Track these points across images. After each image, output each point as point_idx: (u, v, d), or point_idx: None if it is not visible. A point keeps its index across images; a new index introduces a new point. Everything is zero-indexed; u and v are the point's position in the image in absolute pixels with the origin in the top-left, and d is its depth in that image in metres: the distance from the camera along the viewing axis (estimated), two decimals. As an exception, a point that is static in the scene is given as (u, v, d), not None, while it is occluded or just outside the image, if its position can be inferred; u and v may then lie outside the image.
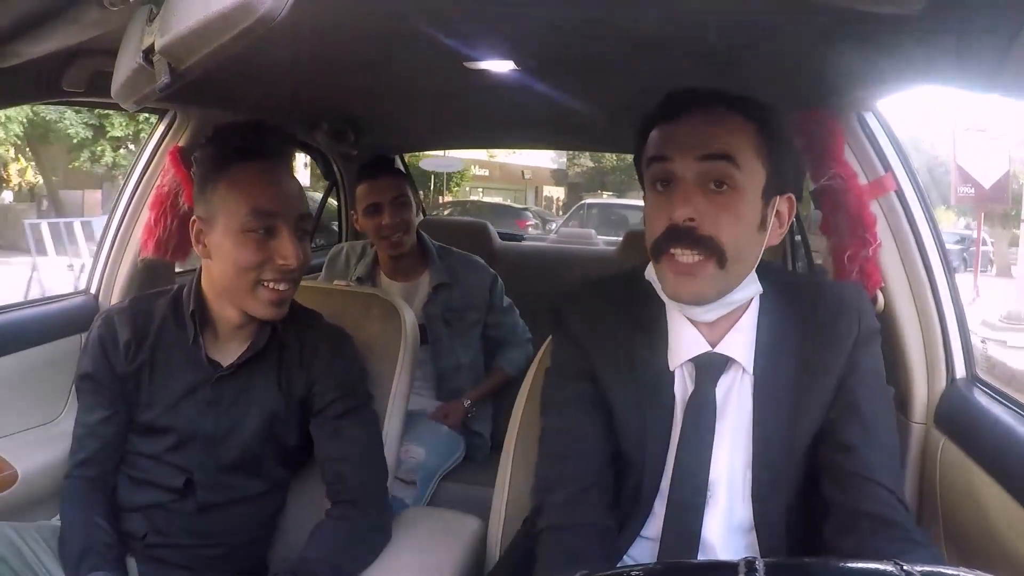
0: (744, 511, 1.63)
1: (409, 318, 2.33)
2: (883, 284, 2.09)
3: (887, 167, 2.13)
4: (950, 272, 2.14)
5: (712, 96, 1.61)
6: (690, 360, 1.65)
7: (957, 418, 1.98)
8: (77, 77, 2.06)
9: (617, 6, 1.86)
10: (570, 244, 5.76)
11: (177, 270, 2.99)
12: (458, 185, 31.61)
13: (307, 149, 4.49)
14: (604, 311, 1.75)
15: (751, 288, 1.61)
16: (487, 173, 34.88)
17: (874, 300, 2.10)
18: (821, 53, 1.96)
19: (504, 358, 3.65)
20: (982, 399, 1.97)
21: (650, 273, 1.66)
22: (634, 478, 1.69)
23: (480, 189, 32.76)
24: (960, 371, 2.11)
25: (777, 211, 1.62)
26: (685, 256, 1.52)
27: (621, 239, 5.07)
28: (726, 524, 1.63)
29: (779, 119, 1.62)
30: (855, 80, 1.99)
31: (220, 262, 1.94)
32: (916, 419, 2.08)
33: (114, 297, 2.76)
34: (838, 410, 1.59)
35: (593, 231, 6.69)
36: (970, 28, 1.39)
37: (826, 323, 1.63)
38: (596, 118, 3.34)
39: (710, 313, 1.59)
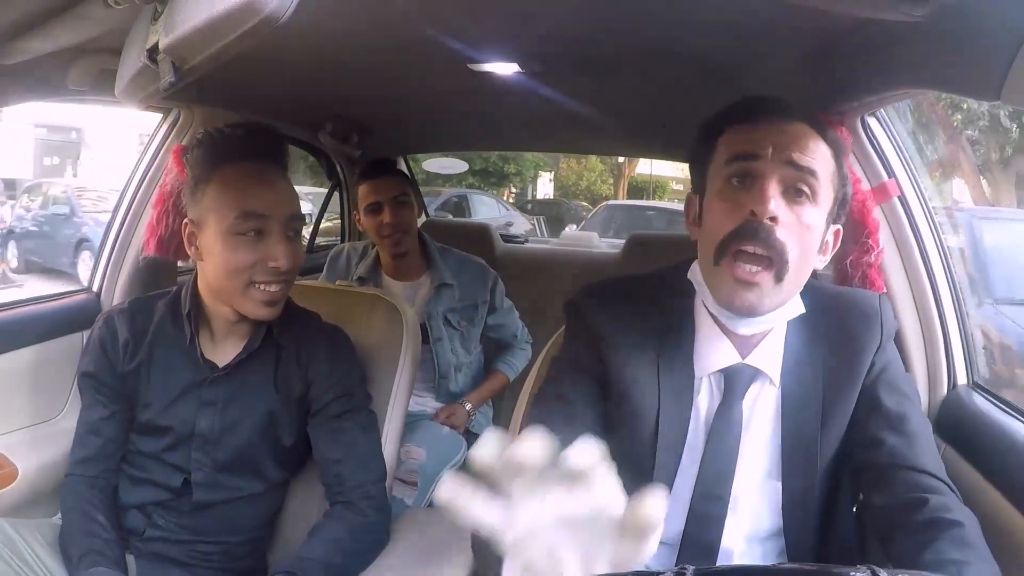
0: (768, 520, 1.64)
1: (410, 318, 2.32)
2: (885, 290, 2.09)
3: (890, 173, 2.13)
4: (953, 278, 2.14)
5: (793, 110, 1.60)
6: (719, 371, 1.64)
7: (958, 425, 1.97)
8: (82, 75, 2.06)
9: (621, 12, 1.86)
10: (572, 247, 5.75)
11: (180, 267, 3.00)
12: (660, 197, 34.57)
13: (311, 150, 4.50)
14: (629, 309, 1.72)
15: (795, 308, 1.61)
16: (682, 188, 38.59)
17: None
18: (825, 58, 1.96)
19: (503, 362, 3.67)
20: (983, 406, 1.97)
21: (695, 275, 1.65)
22: (640, 483, 1.67)
23: (676, 199, 35.52)
24: (962, 378, 2.10)
25: (825, 241, 1.63)
26: (753, 259, 1.49)
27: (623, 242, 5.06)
28: (747, 533, 1.63)
29: (847, 152, 1.65)
30: (859, 85, 1.99)
31: (212, 264, 1.94)
32: (917, 425, 2.08)
33: (116, 296, 2.76)
34: (861, 410, 1.61)
35: (595, 235, 6.65)
36: (975, 36, 1.39)
37: (850, 334, 1.65)
38: (600, 122, 3.34)
39: (752, 327, 1.58)
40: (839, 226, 1.66)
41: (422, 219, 5.13)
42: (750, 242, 1.48)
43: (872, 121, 2.15)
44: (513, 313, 3.73)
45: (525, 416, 1.99)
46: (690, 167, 1.74)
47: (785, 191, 1.51)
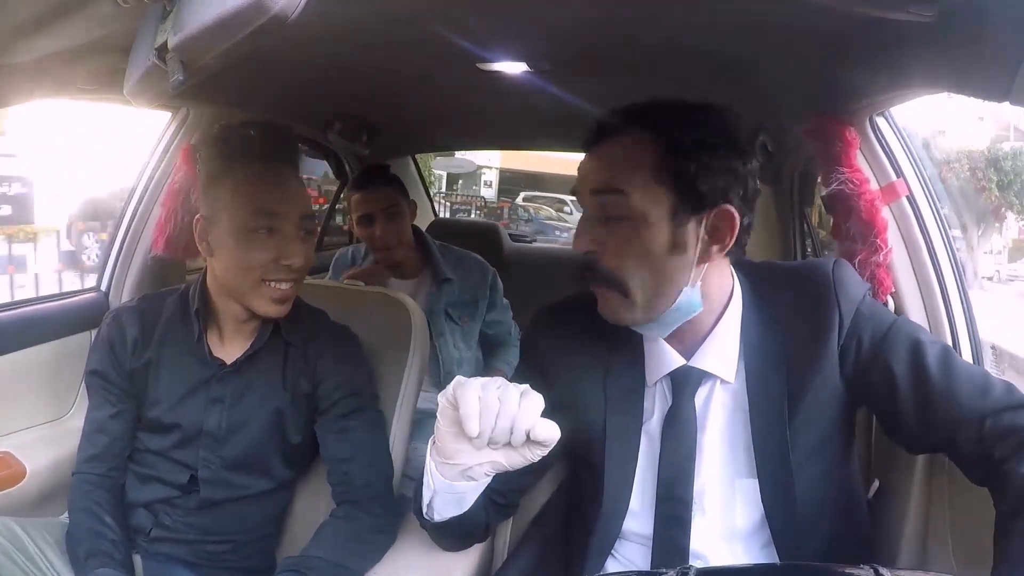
0: (745, 518, 1.63)
1: (418, 316, 2.32)
2: (893, 290, 2.08)
3: (899, 172, 2.12)
4: (961, 279, 2.13)
5: (622, 121, 1.58)
6: (667, 375, 1.66)
7: None
8: (90, 74, 2.06)
9: (630, 11, 1.86)
10: None
11: (189, 267, 3.00)
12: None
13: (319, 149, 4.50)
14: (578, 328, 1.77)
15: (690, 305, 1.57)
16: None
17: (884, 306, 2.09)
18: (835, 58, 1.95)
19: (502, 360, 3.69)
20: None
21: None
22: (596, 495, 1.71)
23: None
24: (971, 378, 2.10)
25: (714, 226, 1.54)
26: (598, 287, 1.58)
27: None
28: (718, 534, 1.63)
29: (694, 131, 1.53)
30: (869, 85, 1.98)
31: (223, 260, 1.95)
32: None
33: (124, 295, 2.77)
34: (881, 390, 1.57)
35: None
36: (985, 36, 1.39)
37: (805, 311, 1.63)
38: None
39: (656, 331, 1.62)
40: (719, 207, 1.53)
41: (430, 218, 5.15)
42: (585, 274, 1.59)
43: (881, 121, 2.15)
44: (508, 311, 3.77)
45: None
46: None
47: (601, 220, 1.56)
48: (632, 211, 1.51)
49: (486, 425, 1.33)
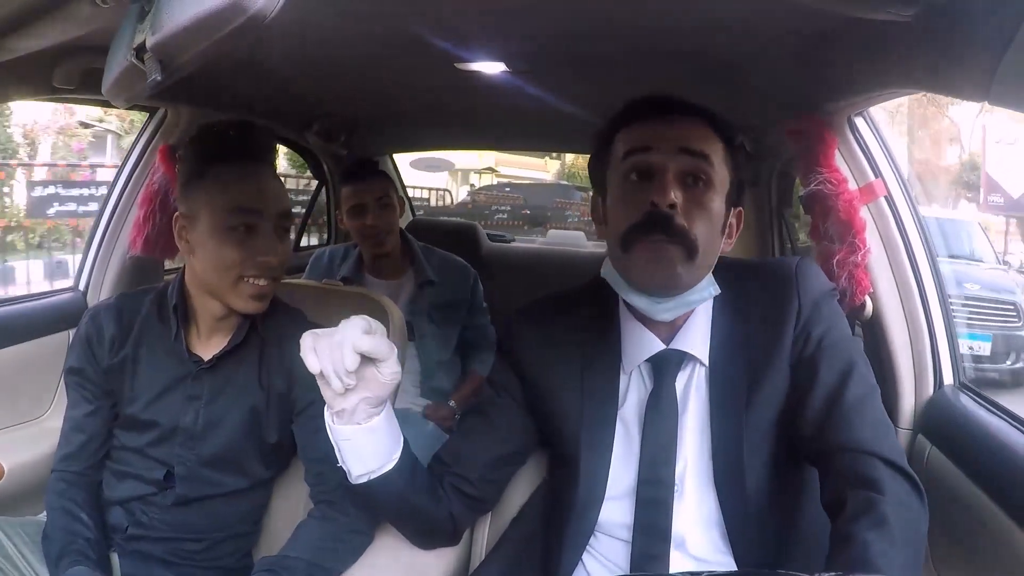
0: (714, 502, 1.64)
1: (397, 317, 2.32)
2: (872, 290, 2.09)
3: (877, 172, 2.13)
4: (939, 278, 2.14)
5: (687, 106, 1.66)
6: (647, 360, 1.69)
7: (944, 425, 1.98)
8: (68, 74, 2.06)
9: (608, 12, 1.86)
10: (559, 247, 5.75)
11: (167, 267, 2.99)
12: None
13: (297, 148, 4.49)
14: (554, 325, 1.82)
15: (708, 290, 1.63)
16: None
17: (863, 306, 2.10)
18: (814, 58, 1.96)
19: (479, 362, 3.71)
20: (969, 406, 1.97)
21: (608, 271, 1.69)
22: (574, 483, 1.73)
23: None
24: (948, 378, 2.11)
25: (731, 223, 1.69)
26: (661, 241, 1.54)
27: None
28: (696, 516, 1.65)
29: (739, 139, 1.69)
30: (848, 85, 1.99)
31: (202, 259, 1.95)
32: (903, 425, 2.08)
33: (102, 294, 2.76)
34: (802, 387, 1.60)
35: (582, 234, 6.63)
36: (963, 36, 1.40)
37: (769, 305, 1.67)
38: (588, 121, 3.34)
39: (670, 312, 1.62)
40: (740, 208, 1.72)
41: (411, 217, 5.15)
42: (654, 231, 1.55)
43: (859, 121, 2.16)
44: (486, 314, 3.80)
45: None
46: (590, 171, 1.81)
47: (682, 179, 1.58)
48: (711, 179, 1.59)
49: (324, 358, 1.49)
